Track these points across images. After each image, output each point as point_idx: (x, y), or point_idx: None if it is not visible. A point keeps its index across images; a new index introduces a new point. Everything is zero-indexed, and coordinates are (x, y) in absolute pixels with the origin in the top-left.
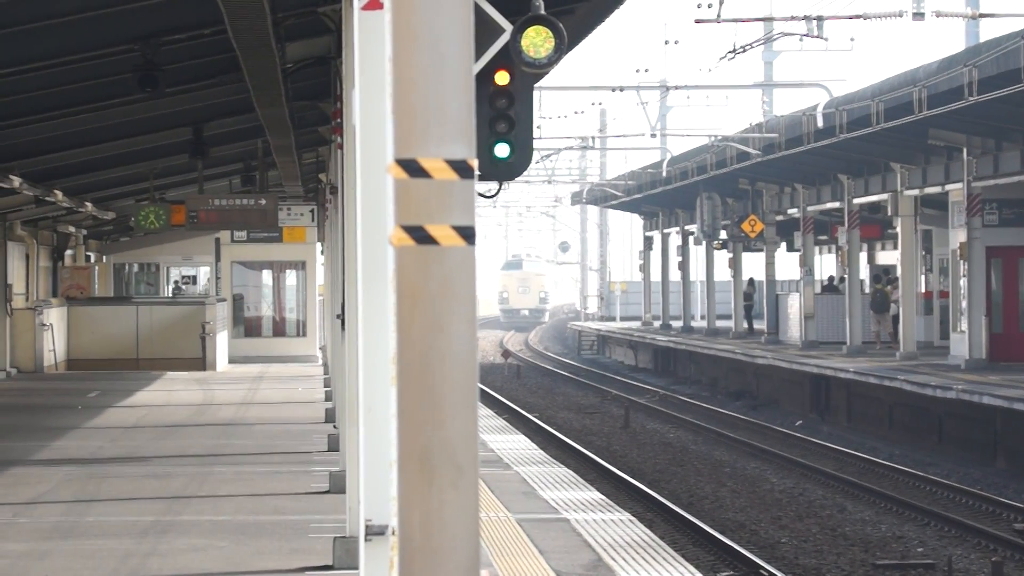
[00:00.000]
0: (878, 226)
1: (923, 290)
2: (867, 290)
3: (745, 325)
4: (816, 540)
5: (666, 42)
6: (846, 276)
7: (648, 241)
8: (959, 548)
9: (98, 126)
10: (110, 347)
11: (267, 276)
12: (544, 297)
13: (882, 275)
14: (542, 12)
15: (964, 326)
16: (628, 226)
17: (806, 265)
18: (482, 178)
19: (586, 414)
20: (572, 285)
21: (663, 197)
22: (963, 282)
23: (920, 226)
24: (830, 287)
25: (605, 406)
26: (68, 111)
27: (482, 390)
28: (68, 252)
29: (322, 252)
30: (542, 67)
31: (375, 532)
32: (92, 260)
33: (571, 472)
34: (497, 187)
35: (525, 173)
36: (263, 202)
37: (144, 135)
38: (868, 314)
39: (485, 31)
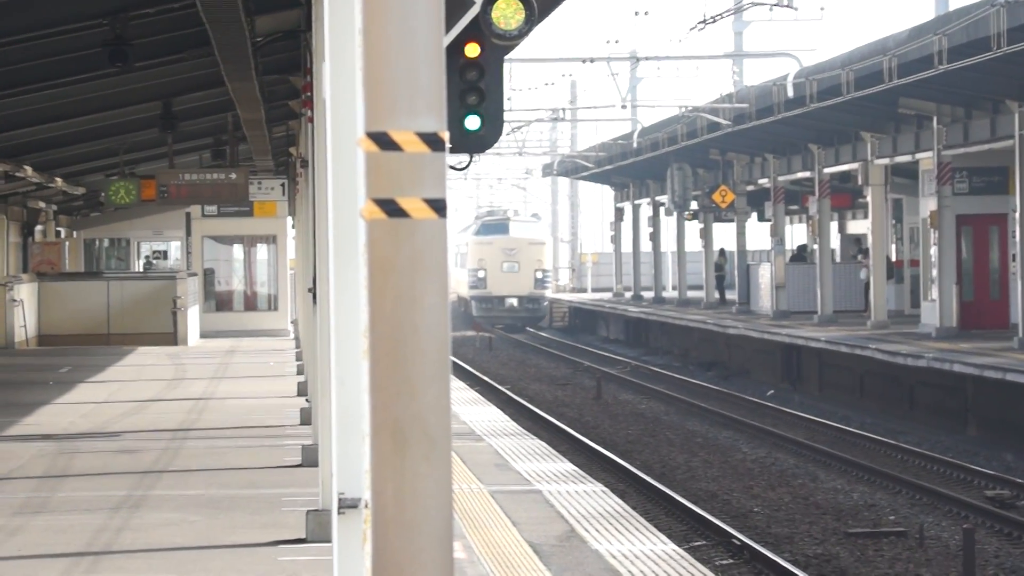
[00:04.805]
0: (848, 195)
1: (894, 259)
2: (838, 259)
3: (716, 295)
4: (788, 509)
5: (636, 13)
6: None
7: (619, 212)
8: (931, 516)
9: (67, 101)
10: (81, 322)
11: (238, 250)
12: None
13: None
14: None
15: (935, 294)
16: (599, 197)
17: (777, 235)
18: (453, 150)
19: (558, 386)
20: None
21: (634, 168)
22: (933, 251)
23: (890, 195)
24: (799, 256)
25: (577, 378)
26: (37, 86)
27: (454, 363)
28: (38, 228)
29: (293, 226)
30: (512, 39)
31: (348, 505)
32: (62, 235)
33: (543, 444)
34: (468, 159)
35: (496, 145)
36: (233, 176)
37: (114, 110)
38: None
39: (455, 3)
